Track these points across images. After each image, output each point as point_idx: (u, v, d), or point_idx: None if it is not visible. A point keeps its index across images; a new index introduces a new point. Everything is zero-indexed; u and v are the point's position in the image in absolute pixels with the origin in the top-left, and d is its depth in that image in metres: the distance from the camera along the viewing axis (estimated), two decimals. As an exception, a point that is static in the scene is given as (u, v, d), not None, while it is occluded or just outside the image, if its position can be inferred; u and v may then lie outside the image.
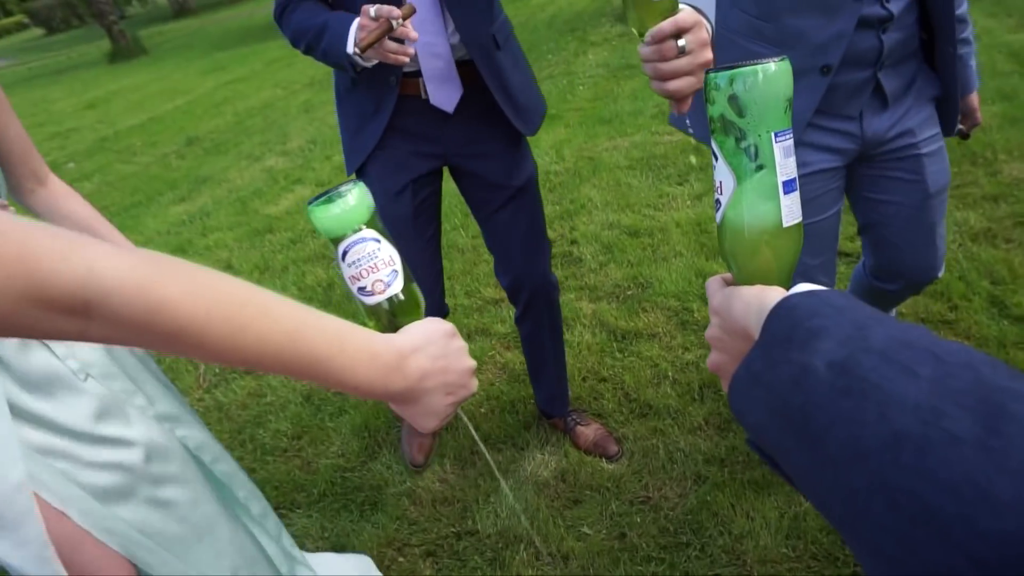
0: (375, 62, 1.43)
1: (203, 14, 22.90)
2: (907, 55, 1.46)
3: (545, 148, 4.40)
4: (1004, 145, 3.16)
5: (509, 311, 2.75)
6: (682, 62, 0.83)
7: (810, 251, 1.49)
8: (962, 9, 1.51)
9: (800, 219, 0.57)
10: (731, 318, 0.55)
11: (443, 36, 1.51)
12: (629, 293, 2.71)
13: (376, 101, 1.58)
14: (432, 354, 0.66)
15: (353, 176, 0.70)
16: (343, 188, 0.71)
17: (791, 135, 0.56)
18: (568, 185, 3.80)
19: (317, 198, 0.71)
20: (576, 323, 2.58)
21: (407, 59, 1.39)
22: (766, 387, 0.42)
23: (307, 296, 3.26)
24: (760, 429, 0.44)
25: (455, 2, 1.47)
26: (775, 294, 0.50)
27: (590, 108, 5.04)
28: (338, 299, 3.16)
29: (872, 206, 1.58)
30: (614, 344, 2.43)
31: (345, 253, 0.71)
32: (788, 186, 0.55)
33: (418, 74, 1.55)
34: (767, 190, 0.55)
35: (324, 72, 8.93)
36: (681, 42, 0.82)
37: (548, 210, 3.52)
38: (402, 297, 0.73)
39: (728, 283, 0.59)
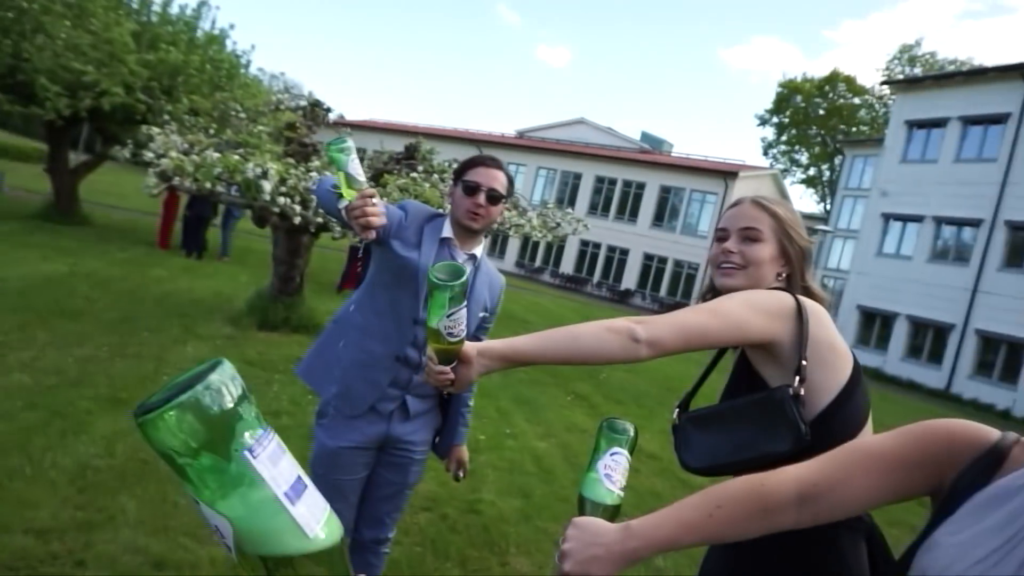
0: None
1: None
2: (428, 396, 2.19)
3: (96, 435, 3.87)
4: (516, 539, 3.70)
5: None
6: None
7: (339, 499, 2.12)
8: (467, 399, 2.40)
9: (328, 508, 0.50)
10: None
11: None
12: (125, 643, 2.29)
13: None
14: None
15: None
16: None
17: (270, 437, 0.48)
18: (105, 487, 3.31)
19: None
20: None
21: None
22: None
23: None
24: None
25: None
26: None
27: (167, 403, 4.71)
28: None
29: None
30: None
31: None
32: (293, 493, 0.47)
33: None
34: (270, 510, 0.46)
35: None
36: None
37: (66, 515, 2.98)
38: None
39: None
